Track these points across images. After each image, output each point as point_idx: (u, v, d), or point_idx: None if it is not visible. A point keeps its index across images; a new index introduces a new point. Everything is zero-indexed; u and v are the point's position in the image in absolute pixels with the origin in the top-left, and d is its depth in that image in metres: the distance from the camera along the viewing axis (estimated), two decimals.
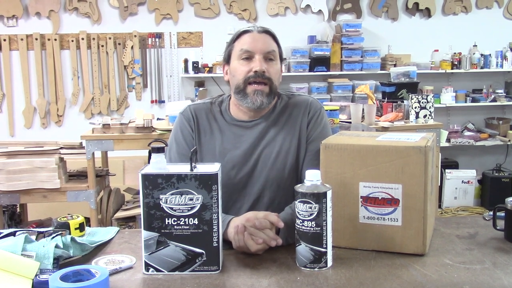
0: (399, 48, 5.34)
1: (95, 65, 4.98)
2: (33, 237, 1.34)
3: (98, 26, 4.99)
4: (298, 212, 1.25)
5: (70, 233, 1.41)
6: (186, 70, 4.99)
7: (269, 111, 1.71)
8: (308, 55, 5.06)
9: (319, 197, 1.23)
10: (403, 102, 4.02)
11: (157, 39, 5.07)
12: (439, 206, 4.97)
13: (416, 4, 5.35)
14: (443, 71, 5.27)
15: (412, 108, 3.86)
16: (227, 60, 1.70)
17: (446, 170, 5.02)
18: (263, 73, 1.60)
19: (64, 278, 1.09)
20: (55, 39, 4.90)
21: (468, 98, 5.33)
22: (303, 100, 1.72)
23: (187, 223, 1.23)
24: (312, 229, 1.24)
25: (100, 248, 1.43)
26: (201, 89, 4.90)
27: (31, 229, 1.45)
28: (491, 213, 1.50)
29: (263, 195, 1.65)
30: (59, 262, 1.26)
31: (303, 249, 1.25)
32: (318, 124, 1.69)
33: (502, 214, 1.45)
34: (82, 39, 4.92)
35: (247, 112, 1.68)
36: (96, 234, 1.52)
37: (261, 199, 1.65)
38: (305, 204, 1.23)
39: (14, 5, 4.84)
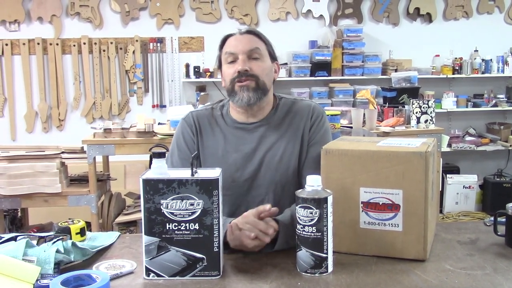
0: (400, 53, 5.35)
1: (97, 69, 4.99)
2: (34, 242, 1.34)
3: (99, 30, 5.01)
4: (299, 217, 1.25)
5: (71, 238, 1.41)
6: (187, 75, 5.00)
7: (270, 113, 1.71)
8: (309, 60, 5.06)
9: (319, 203, 1.23)
10: (404, 107, 4.03)
11: (158, 44, 5.08)
12: (440, 211, 4.96)
13: (417, 9, 5.36)
14: (444, 76, 5.28)
15: (413, 113, 3.86)
16: (219, 67, 1.74)
17: (447, 175, 5.01)
18: (246, 72, 1.62)
19: (65, 283, 1.09)
20: (57, 44, 4.92)
21: (469, 103, 5.33)
22: (306, 105, 1.73)
23: (188, 228, 1.23)
24: (312, 234, 1.24)
25: (101, 253, 1.43)
26: (202, 93, 4.91)
27: (32, 233, 1.45)
28: (492, 218, 1.49)
29: (268, 198, 1.65)
30: (60, 267, 1.26)
31: (303, 254, 1.25)
32: (320, 128, 1.70)
33: (503, 219, 1.45)
34: (84, 43, 4.94)
35: (245, 113, 1.69)
36: (97, 239, 1.52)
37: (265, 202, 1.65)
38: (306, 210, 1.24)
39: (16, 9, 4.86)
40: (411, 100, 3.93)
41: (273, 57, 1.72)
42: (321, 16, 5.25)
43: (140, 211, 3.48)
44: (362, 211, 1.35)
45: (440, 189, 4.78)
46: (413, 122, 3.86)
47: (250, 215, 1.38)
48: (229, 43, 1.68)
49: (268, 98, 1.70)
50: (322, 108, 1.77)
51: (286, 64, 5.05)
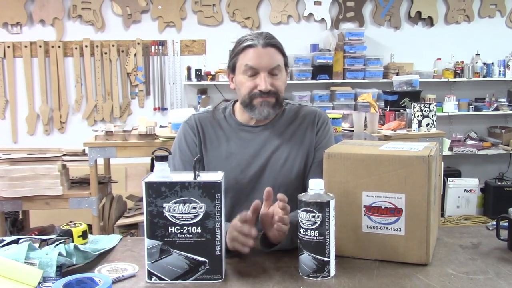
0: (401, 57, 5.35)
1: (98, 72, 5.00)
2: (36, 245, 1.34)
3: (101, 33, 5.01)
4: (301, 221, 1.25)
5: (73, 241, 1.41)
6: (189, 78, 5.00)
7: (276, 117, 1.73)
8: (311, 63, 5.07)
9: (322, 206, 1.23)
10: (405, 110, 4.03)
11: (160, 47, 5.08)
12: (442, 215, 4.96)
13: (419, 13, 5.36)
14: (446, 79, 5.28)
15: (414, 116, 3.86)
16: (232, 69, 1.70)
17: (449, 179, 5.01)
18: (268, 91, 1.62)
19: (67, 286, 1.09)
20: (59, 46, 4.92)
21: (470, 107, 5.33)
22: (311, 111, 1.76)
23: (190, 231, 1.23)
24: (315, 238, 1.24)
25: (102, 256, 1.43)
26: (203, 96, 4.91)
27: (34, 236, 1.45)
28: (495, 223, 1.49)
29: None
30: (62, 270, 1.26)
31: (306, 258, 1.25)
32: (326, 133, 1.73)
33: (505, 224, 1.45)
34: (86, 46, 4.94)
35: (253, 118, 1.70)
36: (99, 242, 1.52)
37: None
38: (308, 213, 1.24)
39: (19, 12, 4.87)
40: (412, 104, 3.93)
41: (286, 66, 1.72)
42: (322, 20, 5.26)
43: (141, 214, 3.49)
44: (365, 215, 1.35)
45: (442, 193, 4.77)
46: (415, 125, 3.86)
47: (236, 223, 1.36)
48: (249, 56, 1.62)
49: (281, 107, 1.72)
50: (326, 114, 1.80)
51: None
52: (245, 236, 1.33)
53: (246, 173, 1.66)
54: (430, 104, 3.90)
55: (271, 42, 1.65)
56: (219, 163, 1.66)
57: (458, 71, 5.30)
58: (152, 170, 1.27)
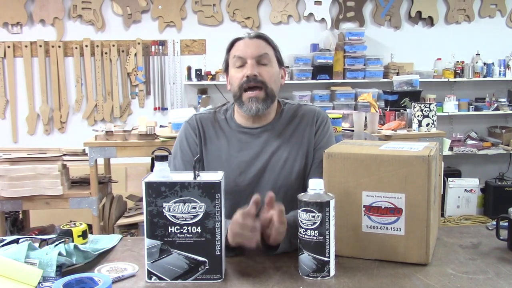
0: (401, 57, 5.35)
1: (99, 72, 5.00)
2: (36, 245, 1.34)
3: (102, 33, 5.01)
4: (301, 221, 1.25)
5: (73, 241, 1.41)
6: (189, 78, 5.01)
7: (275, 119, 1.72)
8: (311, 63, 5.07)
9: (322, 206, 1.23)
10: (405, 110, 4.03)
11: (160, 47, 5.09)
12: (442, 215, 4.96)
13: (419, 12, 5.36)
14: (446, 79, 5.28)
15: (414, 116, 3.86)
16: (226, 69, 1.72)
17: (449, 179, 5.01)
18: (255, 77, 1.61)
19: (67, 286, 1.09)
20: (59, 46, 4.93)
21: (471, 106, 5.33)
22: (310, 110, 1.74)
23: (190, 231, 1.23)
24: (315, 238, 1.24)
25: (102, 256, 1.43)
26: (204, 96, 4.91)
27: (34, 236, 1.45)
28: (494, 222, 1.49)
29: None
30: (62, 270, 1.26)
31: (306, 258, 1.25)
32: (325, 132, 1.72)
33: (505, 224, 1.45)
34: (86, 46, 4.94)
35: (250, 118, 1.69)
36: (99, 242, 1.52)
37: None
38: (308, 213, 1.24)
39: (19, 12, 4.87)
40: (412, 104, 3.93)
41: (280, 63, 1.72)
42: (323, 19, 5.26)
43: (141, 213, 3.49)
44: (365, 215, 1.35)
45: (442, 193, 4.77)
46: (415, 125, 3.86)
47: (237, 218, 1.33)
48: (237, 47, 1.66)
49: (274, 104, 1.71)
50: (326, 112, 1.78)
51: (287, 67, 5.05)
52: (249, 230, 1.31)
53: (246, 176, 1.65)
54: (430, 104, 3.90)
55: (259, 34, 1.68)
56: (219, 164, 1.65)
57: (458, 71, 5.30)
58: (152, 170, 1.27)
